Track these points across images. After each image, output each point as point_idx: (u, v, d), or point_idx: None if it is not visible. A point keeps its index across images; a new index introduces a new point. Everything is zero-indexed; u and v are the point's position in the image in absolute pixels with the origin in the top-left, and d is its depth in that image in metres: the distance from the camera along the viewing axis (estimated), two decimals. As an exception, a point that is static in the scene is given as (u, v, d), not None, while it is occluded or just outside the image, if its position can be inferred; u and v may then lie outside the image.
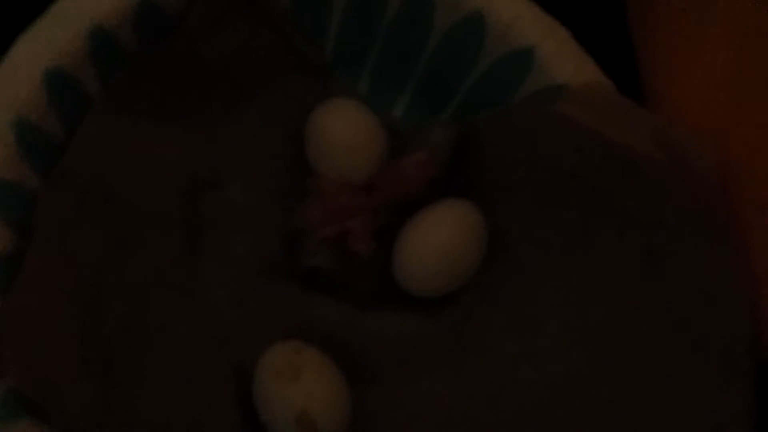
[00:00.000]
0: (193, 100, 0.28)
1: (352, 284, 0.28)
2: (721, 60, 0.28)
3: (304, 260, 0.27)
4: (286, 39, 0.29)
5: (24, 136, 0.25)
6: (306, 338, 0.26)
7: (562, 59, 0.28)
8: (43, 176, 0.25)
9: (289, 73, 0.29)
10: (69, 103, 0.26)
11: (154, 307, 0.26)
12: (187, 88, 0.27)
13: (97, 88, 0.26)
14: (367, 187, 0.28)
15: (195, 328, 0.26)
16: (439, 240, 0.27)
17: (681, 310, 0.25)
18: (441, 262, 0.27)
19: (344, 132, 0.28)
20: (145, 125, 0.27)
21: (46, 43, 0.25)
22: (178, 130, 0.27)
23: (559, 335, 0.27)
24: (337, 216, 0.27)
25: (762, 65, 0.27)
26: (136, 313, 0.25)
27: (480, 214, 0.27)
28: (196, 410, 0.25)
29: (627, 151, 0.26)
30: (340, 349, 0.26)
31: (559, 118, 0.26)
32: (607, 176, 0.26)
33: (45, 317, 0.24)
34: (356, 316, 0.27)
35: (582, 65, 0.28)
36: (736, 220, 0.26)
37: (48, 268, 0.24)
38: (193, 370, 0.26)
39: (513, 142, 0.27)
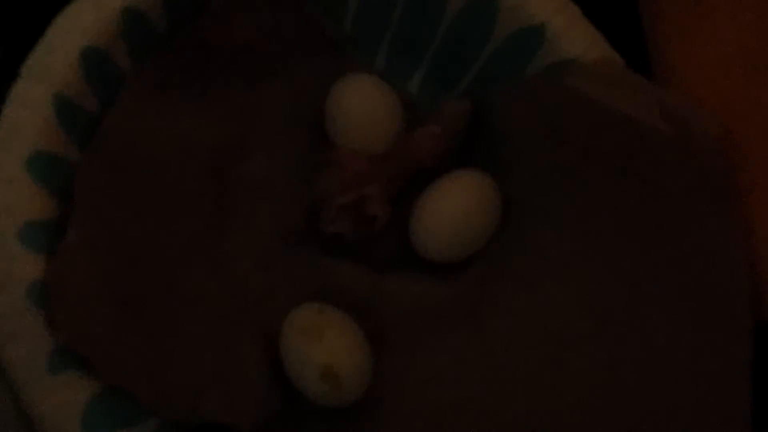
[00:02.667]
0: (219, 76, 0.29)
1: (371, 250, 0.29)
2: (727, 34, 0.28)
3: (325, 227, 0.29)
4: (306, 17, 0.30)
5: (63, 111, 0.26)
6: (328, 301, 0.28)
7: (572, 35, 0.29)
8: (81, 148, 0.27)
9: (309, 49, 0.30)
10: (103, 79, 0.27)
11: (185, 270, 0.27)
12: (214, 65, 0.29)
13: (129, 65, 0.27)
14: (383, 157, 0.29)
15: (224, 291, 0.28)
16: (454, 208, 0.28)
17: (685, 272, 0.26)
18: (456, 228, 0.28)
19: (362, 106, 0.29)
20: (173, 101, 0.28)
21: (82, 24, 0.26)
22: (205, 106, 0.29)
23: (571, 298, 0.28)
24: (353, 183, 0.28)
25: (760, 48, 0.28)
26: (169, 276, 0.27)
27: (493, 183, 0.28)
28: (226, 367, 0.26)
29: (633, 122, 0.27)
30: (361, 310, 0.28)
31: (568, 92, 0.27)
32: (614, 147, 0.27)
33: (86, 279, 0.25)
34: (375, 280, 0.29)
35: (591, 40, 0.29)
36: (738, 187, 0.27)
37: (87, 234, 0.25)
38: (223, 330, 0.27)
39: (524, 115, 0.28)
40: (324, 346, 0.26)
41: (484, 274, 0.29)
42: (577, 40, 0.29)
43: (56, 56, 0.26)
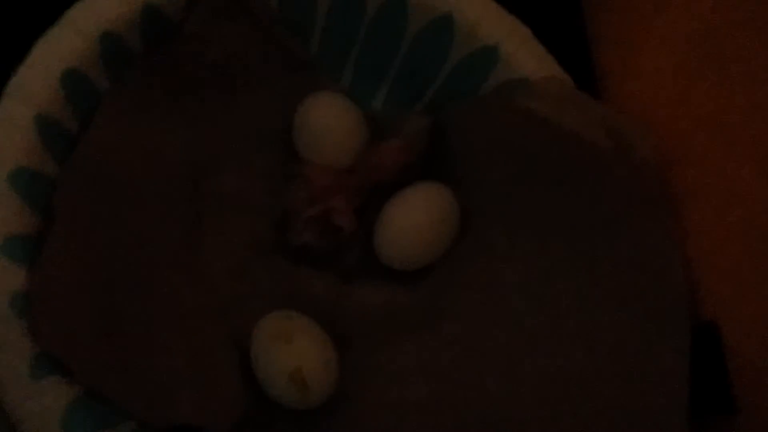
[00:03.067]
0: (192, 95, 0.30)
1: (337, 259, 0.30)
2: (667, 48, 0.30)
3: (293, 238, 0.30)
4: (275, 39, 0.31)
5: (45, 129, 0.27)
6: (297, 308, 0.29)
7: (524, 55, 0.30)
8: (61, 164, 0.28)
9: (278, 69, 0.31)
10: (83, 99, 0.28)
11: (160, 281, 0.28)
12: (187, 85, 0.30)
13: (106, 86, 0.29)
14: (348, 170, 0.30)
15: (198, 299, 0.29)
16: (415, 218, 0.30)
17: (626, 276, 0.28)
18: (417, 238, 0.30)
19: (328, 122, 0.30)
20: (148, 118, 0.30)
21: (62, 47, 0.28)
22: (179, 123, 0.30)
23: (523, 302, 0.29)
24: (320, 196, 0.30)
25: (703, 62, 0.30)
26: (145, 285, 0.28)
27: (452, 195, 0.30)
28: (199, 371, 0.28)
29: (577, 138, 0.28)
30: (328, 317, 0.29)
31: (519, 109, 0.29)
32: (560, 160, 0.29)
33: (66, 289, 0.26)
34: (342, 287, 0.30)
35: (542, 61, 0.31)
36: (673, 195, 0.29)
37: (67, 246, 0.27)
38: (196, 337, 0.28)
39: (479, 130, 0.30)
40: (292, 350, 0.27)
41: (444, 280, 0.30)
42: (528, 60, 0.30)
43: (38, 78, 0.27)
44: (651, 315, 0.28)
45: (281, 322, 0.28)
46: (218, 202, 0.30)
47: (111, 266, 0.28)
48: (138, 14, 0.29)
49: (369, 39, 0.32)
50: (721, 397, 0.27)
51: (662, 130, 0.30)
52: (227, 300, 0.29)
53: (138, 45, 0.29)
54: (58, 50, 0.27)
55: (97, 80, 0.29)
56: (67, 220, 0.27)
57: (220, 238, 0.30)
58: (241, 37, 0.31)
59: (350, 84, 0.33)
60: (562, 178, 0.29)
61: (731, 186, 0.27)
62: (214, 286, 0.29)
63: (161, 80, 0.30)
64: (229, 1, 0.30)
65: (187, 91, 0.30)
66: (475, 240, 0.30)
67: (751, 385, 0.27)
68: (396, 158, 0.31)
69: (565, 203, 0.29)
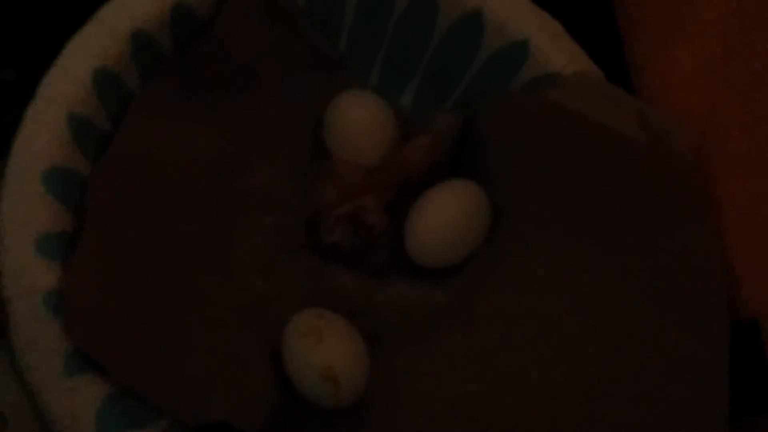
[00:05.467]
0: (222, 94, 0.30)
1: (368, 257, 0.30)
2: (703, 43, 0.30)
3: (324, 237, 0.30)
4: (304, 37, 0.31)
5: (76, 128, 0.27)
6: (327, 306, 0.29)
7: (555, 50, 0.30)
8: (94, 163, 0.28)
9: (307, 67, 0.31)
10: (114, 98, 0.28)
11: (191, 279, 0.28)
12: (217, 83, 0.30)
13: (137, 84, 0.29)
14: (378, 167, 0.30)
15: (228, 297, 0.29)
16: (446, 216, 0.29)
17: (663, 272, 0.28)
18: (448, 235, 0.30)
19: (358, 119, 0.30)
20: (179, 117, 0.30)
21: (93, 46, 0.28)
22: (209, 121, 0.30)
23: (556, 298, 0.29)
24: (350, 194, 0.30)
25: (736, 57, 0.29)
26: (176, 283, 0.28)
27: (483, 192, 0.30)
28: (231, 370, 0.28)
29: (610, 132, 0.28)
30: (358, 315, 0.29)
31: (551, 105, 0.29)
32: (595, 157, 0.28)
33: (99, 287, 0.26)
34: (372, 286, 0.30)
35: (573, 55, 0.30)
36: (711, 190, 0.28)
37: (99, 244, 0.27)
38: (227, 334, 0.28)
39: (510, 127, 0.30)
40: (324, 349, 0.27)
41: (476, 278, 0.30)
42: (559, 54, 0.30)
43: (69, 77, 0.27)
44: (689, 312, 0.27)
45: (312, 320, 0.28)
46: (248, 201, 0.30)
47: (143, 265, 0.28)
48: (168, 13, 0.29)
49: (397, 36, 0.32)
50: (762, 395, 0.27)
51: (697, 123, 0.29)
52: (258, 298, 0.29)
53: (168, 44, 0.29)
54: (90, 49, 0.28)
55: (128, 79, 0.29)
56: (99, 219, 0.27)
57: (250, 237, 0.30)
58: (270, 36, 0.31)
59: (378, 81, 0.33)
60: (595, 173, 0.29)
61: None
62: (245, 285, 0.29)
63: (191, 79, 0.30)
64: (259, 0, 0.30)
65: (216, 90, 0.30)
66: (507, 236, 0.30)
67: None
68: (425, 155, 0.30)
69: (599, 198, 0.29)
